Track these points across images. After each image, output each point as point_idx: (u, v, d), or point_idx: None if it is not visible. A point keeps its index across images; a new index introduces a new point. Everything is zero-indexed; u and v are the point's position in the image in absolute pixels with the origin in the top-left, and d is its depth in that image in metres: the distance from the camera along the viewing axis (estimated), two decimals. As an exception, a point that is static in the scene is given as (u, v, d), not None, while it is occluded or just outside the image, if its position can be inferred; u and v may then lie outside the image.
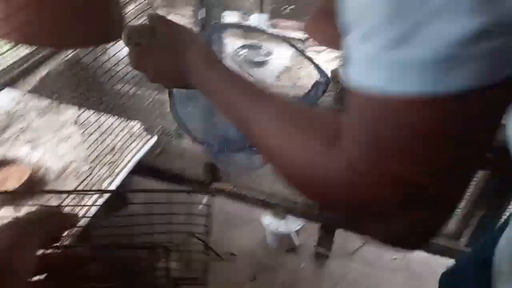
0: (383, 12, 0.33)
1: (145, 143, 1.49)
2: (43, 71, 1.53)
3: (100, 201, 1.37)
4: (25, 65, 1.51)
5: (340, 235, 2.39)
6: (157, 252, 0.67)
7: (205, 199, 2.72)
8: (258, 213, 2.53)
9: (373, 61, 0.35)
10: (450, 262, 2.05)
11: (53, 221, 0.46)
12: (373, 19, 0.34)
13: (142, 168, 1.46)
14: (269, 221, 2.37)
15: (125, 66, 1.54)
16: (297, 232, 2.37)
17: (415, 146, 0.35)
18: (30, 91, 1.49)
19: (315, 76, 1.84)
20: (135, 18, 1.39)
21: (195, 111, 0.87)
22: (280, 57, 1.97)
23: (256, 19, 2.16)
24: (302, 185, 0.47)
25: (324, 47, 1.84)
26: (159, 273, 0.68)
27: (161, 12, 2.11)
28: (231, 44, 1.88)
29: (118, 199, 2.50)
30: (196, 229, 0.88)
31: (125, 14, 1.36)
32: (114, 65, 1.47)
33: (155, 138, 1.47)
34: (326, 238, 2.33)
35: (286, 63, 1.95)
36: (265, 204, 2.23)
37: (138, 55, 0.70)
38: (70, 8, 0.90)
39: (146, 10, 1.28)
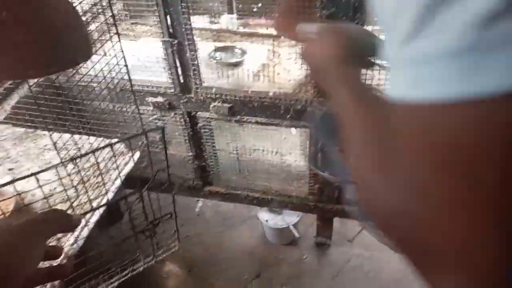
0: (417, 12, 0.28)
1: (129, 159, 1.47)
2: (14, 99, 1.51)
3: (93, 219, 1.36)
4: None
5: (338, 223, 2.41)
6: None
7: (199, 203, 2.73)
8: (254, 210, 2.54)
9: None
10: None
11: (60, 220, 0.55)
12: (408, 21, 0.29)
13: (130, 182, 1.45)
14: (267, 217, 2.37)
15: (99, 83, 1.52)
16: (296, 225, 2.38)
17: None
18: (2, 121, 1.47)
19: (293, 71, 1.83)
20: (100, 35, 1.37)
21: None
22: (255, 55, 1.95)
23: (226, 20, 2.14)
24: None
25: (295, 42, 1.83)
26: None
27: (126, 24, 2.08)
28: (204, 48, 1.86)
29: (111, 213, 2.49)
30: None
31: (90, 32, 1.33)
32: (88, 83, 1.45)
33: (138, 153, 1.46)
34: (324, 227, 2.35)
35: (262, 61, 1.93)
36: (260, 201, 2.23)
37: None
38: (33, 38, 0.88)
39: (110, 25, 1.26)
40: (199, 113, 1.88)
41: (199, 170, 2.16)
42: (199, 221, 2.68)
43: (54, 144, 1.23)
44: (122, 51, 1.31)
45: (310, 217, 2.36)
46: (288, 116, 1.79)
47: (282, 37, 1.81)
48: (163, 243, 1.39)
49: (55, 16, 0.93)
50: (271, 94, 1.76)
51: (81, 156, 1.03)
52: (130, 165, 1.57)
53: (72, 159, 0.99)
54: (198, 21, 2.08)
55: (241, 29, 2.12)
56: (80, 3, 1.31)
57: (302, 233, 2.48)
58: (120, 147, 1.40)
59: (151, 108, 1.85)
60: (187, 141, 2.02)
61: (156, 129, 1.37)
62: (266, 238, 2.52)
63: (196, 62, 1.71)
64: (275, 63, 1.92)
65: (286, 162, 2.07)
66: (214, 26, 2.16)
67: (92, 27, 1.41)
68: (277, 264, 2.43)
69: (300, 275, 2.39)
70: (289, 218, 2.35)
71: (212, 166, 2.15)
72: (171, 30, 1.62)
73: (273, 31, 1.85)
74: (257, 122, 1.86)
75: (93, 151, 1.00)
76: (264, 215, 2.38)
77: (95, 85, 1.52)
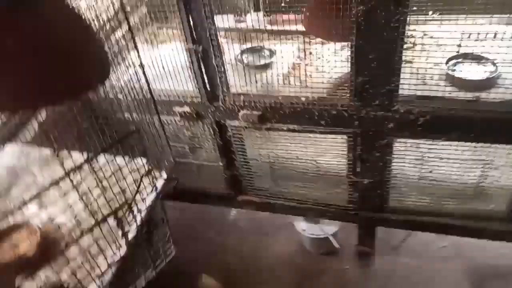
0: None
1: (158, 177, 1.39)
2: (40, 118, 1.47)
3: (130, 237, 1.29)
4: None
5: (381, 230, 2.24)
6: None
7: (233, 211, 2.63)
8: (290, 218, 2.42)
9: None
10: (505, 245, 1.86)
11: None
12: None
13: (165, 195, 1.38)
14: (304, 227, 2.24)
15: (122, 95, 1.45)
16: (335, 234, 2.23)
17: None
18: (30, 142, 1.44)
19: (327, 71, 1.68)
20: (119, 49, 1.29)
21: None
22: (284, 55, 1.82)
23: (253, 19, 2.01)
24: None
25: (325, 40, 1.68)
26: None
27: (151, 28, 2.00)
28: (230, 50, 1.74)
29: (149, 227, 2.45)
30: None
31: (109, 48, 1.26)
32: (109, 97, 1.39)
33: (164, 173, 1.37)
34: (367, 236, 2.18)
35: (293, 61, 1.79)
36: (296, 211, 2.11)
37: None
38: (42, 68, 0.80)
39: (128, 39, 1.18)
40: (228, 121, 1.77)
41: (231, 180, 2.07)
42: (234, 230, 2.58)
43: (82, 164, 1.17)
44: (141, 65, 1.23)
45: (350, 226, 2.20)
46: (323, 122, 1.64)
47: (315, 36, 1.66)
48: (159, 251, 1.31)
49: (66, 42, 0.85)
50: (303, 99, 1.62)
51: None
52: (160, 182, 1.49)
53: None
54: (223, 21, 1.98)
55: (269, 27, 1.98)
56: (97, 18, 1.23)
57: (343, 242, 2.32)
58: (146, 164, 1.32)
59: (179, 118, 1.77)
60: (216, 150, 1.93)
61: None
62: (304, 247, 2.39)
63: (222, 69, 1.61)
64: (306, 63, 1.78)
65: (322, 170, 1.93)
66: (241, 25, 2.04)
67: (112, 39, 1.34)
68: (318, 275, 2.29)
69: (343, 286, 2.24)
70: (327, 228, 2.21)
71: (244, 175, 2.04)
72: (195, 35, 1.52)
73: (302, 28, 1.70)
74: (289, 129, 1.73)
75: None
76: (301, 225, 2.26)
77: (119, 97, 1.46)
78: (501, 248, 1.92)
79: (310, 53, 1.82)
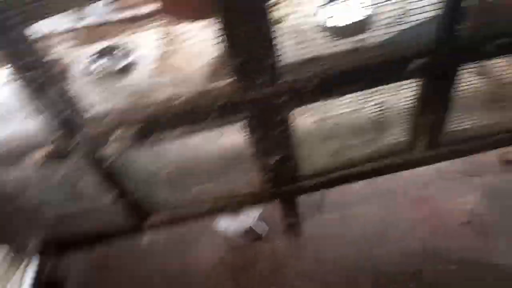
0: None
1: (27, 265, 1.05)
2: None
3: None
4: None
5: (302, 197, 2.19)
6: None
7: (145, 237, 2.33)
8: (210, 220, 2.22)
9: None
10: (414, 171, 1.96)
11: None
12: None
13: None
14: (225, 224, 2.08)
15: None
16: (260, 218, 2.12)
17: None
18: None
19: (201, 54, 1.45)
20: None
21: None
22: (145, 50, 1.52)
23: (96, 10, 1.65)
24: None
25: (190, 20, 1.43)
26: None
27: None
28: (78, 56, 1.39)
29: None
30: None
31: None
32: None
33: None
34: (289, 208, 2.11)
35: (156, 53, 1.52)
36: (213, 211, 1.92)
37: None
38: None
39: None
40: (101, 150, 1.44)
41: (130, 208, 1.76)
42: (152, 255, 2.28)
43: None
44: None
45: (272, 204, 2.10)
46: (213, 115, 1.44)
47: (175, 18, 1.40)
48: None
49: None
50: (183, 97, 1.38)
51: None
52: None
53: None
54: (58, 23, 1.58)
55: (119, 17, 1.65)
56: None
57: (269, 221, 2.23)
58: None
59: (37, 168, 1.38)
60: (101, 184, 1.59)
61: None
62: (231, 244, 2.24)
63: (71, 89, 1.26)
64: (172, 52, 1.52)
65: (228, 162, 1.75)
66: (82, 24, 1.67)
67: None
68: (253, 264, 2.19)
69: (280, 263, 2.18)
70: (248, 217, 2.08)
71: (143, 198, 1.75)
72: (17, 61, 1.14)
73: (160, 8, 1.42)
74: (177, 135, 1.48)
75: None
76: (221, 223, 2.08)
77: None
78: (411, 175, 2.02)
79: (172, 39, 1.56)
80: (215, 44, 1.27)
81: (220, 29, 1.20)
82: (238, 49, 1.26)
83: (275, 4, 1.27)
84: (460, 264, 1.97)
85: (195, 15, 1.31)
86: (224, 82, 1.37)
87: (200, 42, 1.40)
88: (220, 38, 1.22)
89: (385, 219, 2.20)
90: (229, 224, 2.08)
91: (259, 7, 1.16)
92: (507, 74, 1.63)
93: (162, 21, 1.54)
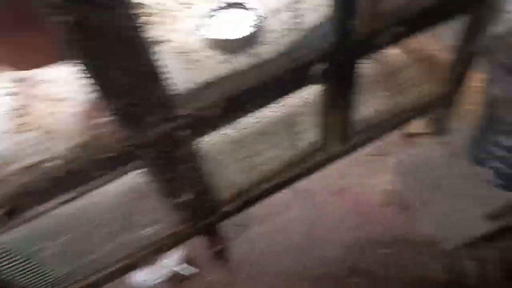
0: None
1: None
2: None
3: None
4: None
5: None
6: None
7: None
8: (125, 277, 1.91)
9: None
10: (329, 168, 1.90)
11: None
12: None
13: None
14: (143, 276, 1.79)
15: None
16: (183, 257, 1.87)
17: None
18: None
19: (64, 102, 1.14)
20: None
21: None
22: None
23: None
24: None
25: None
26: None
27: None
28: None
29: None
30: None
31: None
32: None
33: None
34: (212, 237, 1.91)
35: (5, 110, 1.15)
36: (127, 268, 1.63)
37: None
38: None
39: None
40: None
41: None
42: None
43: None
44: None
45: (191, 243, 1.86)
46: (101, 171, 1.15)
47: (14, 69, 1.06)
48: None
49: None
50: (58, 160, 1.06)
51: None
52: None
53: None
54: None
55: None
56: None
57: (196, 256, 2.00)
58: None
59: None
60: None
61: None
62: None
63: None
64: (29, 101, 1.18)
65: (133, 213, 1.47)
66: None
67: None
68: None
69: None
70: (170, 260, 1.83)
71: (32, 283, 1.39)
72: None
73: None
74: (59, 203, 1.17)
75: None
76: (137, 276, 1.79)
77: None
78: (327, 170, 1.96)
79: (23, 89, 1.21)
80: (82, 85, 0.97)
81: (82, 69, 0.91)
82: (113, 87, 0.99)
83: (146, 23, 1.00)
84: (393, 246, 1.99)
85: (42, 61, 1.00)
86: (105, 129, 1.09)
87: (61, 86, 1.09)
88: (86, 78, 0.93)
89: (311, 219, 2.14)
90: (148, 274, 1.80)
91: (130, 27, 0.90)
92: (400, 59, 1.64)
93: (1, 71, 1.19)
